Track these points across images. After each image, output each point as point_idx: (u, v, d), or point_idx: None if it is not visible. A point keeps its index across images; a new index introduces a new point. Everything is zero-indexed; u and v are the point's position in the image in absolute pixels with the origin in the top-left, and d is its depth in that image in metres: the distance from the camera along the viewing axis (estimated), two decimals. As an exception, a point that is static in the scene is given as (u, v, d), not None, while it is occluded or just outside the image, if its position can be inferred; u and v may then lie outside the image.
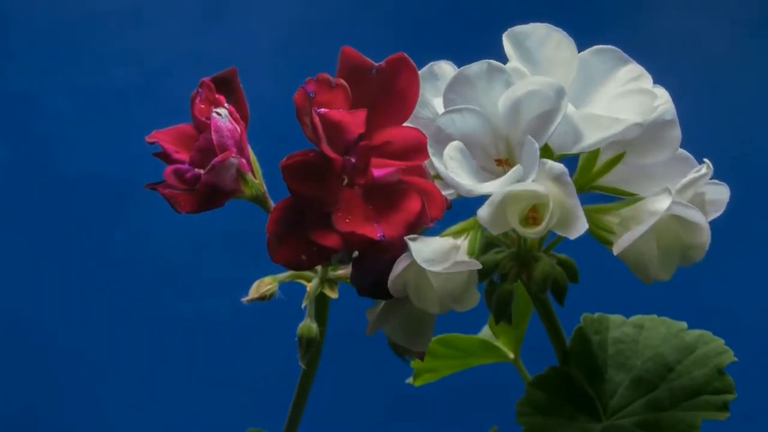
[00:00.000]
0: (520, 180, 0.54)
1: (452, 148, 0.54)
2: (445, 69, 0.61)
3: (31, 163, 1.50)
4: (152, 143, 0.62)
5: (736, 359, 0.62)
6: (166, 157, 0.62)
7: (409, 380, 0.78)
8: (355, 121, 0.58)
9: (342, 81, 0.59)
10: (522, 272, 0.58)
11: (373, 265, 0.58)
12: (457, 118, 0.55)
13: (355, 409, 1.41)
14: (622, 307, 0.68)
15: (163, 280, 1.47)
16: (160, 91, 1.47)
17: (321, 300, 0.66)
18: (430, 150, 0.55)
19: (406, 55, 0.60)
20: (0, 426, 1.47)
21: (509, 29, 0.59)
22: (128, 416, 1.47)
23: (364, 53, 0.61)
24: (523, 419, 0.62)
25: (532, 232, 0.54)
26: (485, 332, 0.77)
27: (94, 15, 1.51)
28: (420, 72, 0.60)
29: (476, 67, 0.56)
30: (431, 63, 0.61)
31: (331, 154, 0.58)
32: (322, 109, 0.58)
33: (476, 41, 0.62)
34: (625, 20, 1.50)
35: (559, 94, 0.54)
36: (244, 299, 0.65)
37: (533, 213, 0.55)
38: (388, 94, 0.60)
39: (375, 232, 0.56)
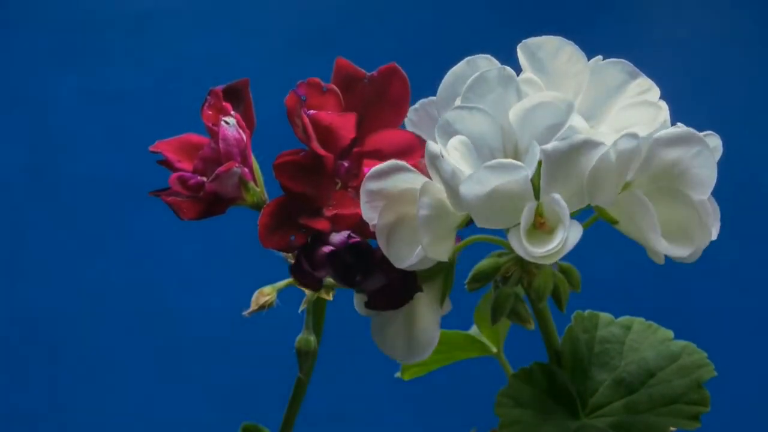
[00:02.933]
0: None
1: (458, 140, 0.55)
2: (482, 65, 0.60)
3: (39, 164, 1.50)
4: (155, 153, 0.64)
5: (716, 374, 0.63)
6: (168, 166, 0.63)
7: (398, 374, 0.78)
8: (345, 124, 0.60)
9: (333, 86, 0.61)
10: (523, 277, 0.59)
11: (380, 272, 0.59)
12: (466, 115, 0.55)
13: (344, 402, 1.42)
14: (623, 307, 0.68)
15: (168, 278, 1.47)
16: (167, 94, 1.48)
17: (318, 303, 0.68)
18: (437, 139, 0.55)
19: (397, 65, 0.62)
20: (7, 421, 1.47)
21: (523, 41, 0.59)
22: (130, 412, 1.47)
23: (368, 59, 0.62)
24: (501, 410, 0.63)
25: (542, 253, 0.53)
26: (473, 329, 0.78)
27: (103, 18, 1.52)
28: (455, 67, 0.60)
29: (495, 72, 0.57)
30: (467, 58, 0.60)
31: (322, 152, 0.59)
32: (312, 111, 0.60)
33: (478, 46, 0.62)
34: (612, 25, 1.50)
35: (570, 108, 0.54)
36: (246, 312, 0.66)
37: (540, 218, 0.55)
38: (380, 102, 0.62)
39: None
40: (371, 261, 0.59)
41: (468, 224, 0.58)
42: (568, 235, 0.52)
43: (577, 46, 0.58)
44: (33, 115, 1.51)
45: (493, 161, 0.53)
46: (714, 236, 0.56)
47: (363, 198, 0.57)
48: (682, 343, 0.64)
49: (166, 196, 0.62)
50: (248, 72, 0.66)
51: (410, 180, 0.57)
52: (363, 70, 0.62)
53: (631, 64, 0.59)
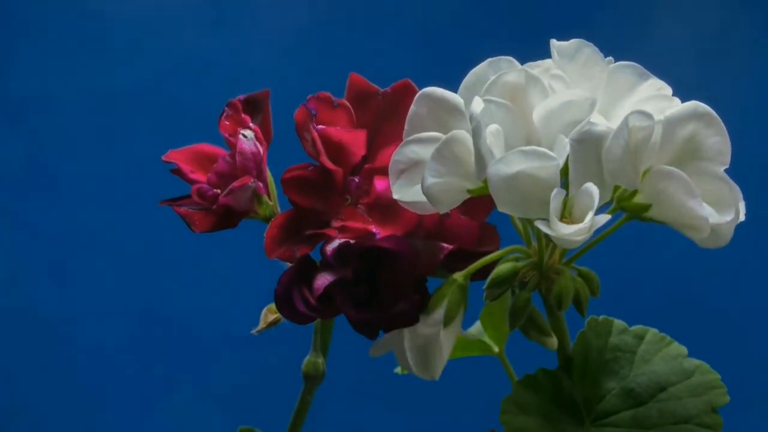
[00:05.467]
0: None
1: (496, 128, 0.54)
2: (503, 66, 0.59)
3: (39, 162, 1.50)
4: (168, 162, 0.63)
5: (729, 399, 0.62)
6: (182, 176, 0.63)
7: (398, 370, 0.76)
8: (356, 141, 0.60)
9: (344, 101, 0.61)
10: (542, 284, 0.58)
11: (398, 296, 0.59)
12: (494, 109, 0.55)
13: (344, 401, 1.41)
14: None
15: (169, 279, 1.47)
16: (168, 93, 1.48)
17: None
18: (472, 123, 0.54)
19: (410, 82, 0.62)
20: (5, 420, 1.47)
21: (551, 40, 0.59)
22: (131, 413, 1.47)
23: (370, 59, 0.62)
24: (506, 417, 0.62)
25: (571, 231, 0.52)
26: (476, 327, 0.77)
27: (104, 17, 1.51)
28: (477, 68, 0.59)
29: (515, 75, 0.56)
30: (489, 60, 0.59)
31: (331, 167, 0.59)
32: (321, 126, 0.59)
33: (480, 46, 0.61)
34: (612, 25, 1.50)
35: (593, 106, 0.55)
36: (254, 330, 0.67)
37: (566, 219, 0.54)
38: (393, 118, 0.61)
39: (371, 228, 0.58)
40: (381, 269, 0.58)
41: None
42: (596, 217, 0.53)
43: (595, 48, 0.59)
44: (33, 114, 1.51)
45: (527, 147, 0.53)
46: (742, 217, 0.57)
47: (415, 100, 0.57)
48: (695, 361, 0.64)
49: (178, 207, 0.62)
50: (248, 71, 0.66)
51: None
52: (376, 86, 0.62)
53: (641, 67, 0.59)
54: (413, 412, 1.41)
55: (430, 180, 0.55)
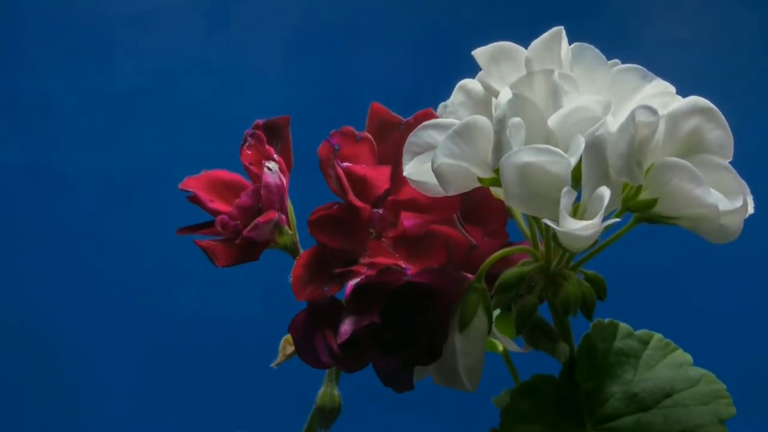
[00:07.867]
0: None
1: (519, 121, 0.55)
2: (512, 50, 0.60)
3: (39, 163, 1.50)
4: (185, 191, 0.63)
5: (735, 412, 0.62)
6: (200, 205, 0.63)
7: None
8: (379, 176, 0.60)
9: (367, 134, 0.61)
10: (548, 288, 0.59)
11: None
12: (520, 103, 0.56)
13: (344, 400, 1.41)
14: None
15: (170, 279, 1.47)
16: (167, 93, 1.48)
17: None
18: (497, 112, 0.55)
19: (432, 111, 0.62)
20: (10, 422, 1.47)
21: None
22: (133, 414, 1.47)
23: (368, 60, 0.61)
24: (506, 427, 0.62)
25: (580, 226, 0.52)
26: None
27: (104, 19, 1.51)
28: (485, 49, 0.60)
29: (542, 75, 0.57)
30: (494, 44, 0.59)
31: (359, 204, 0.59)
32: (346, 164, 0.59)
33: (476, 44, 0.61)
34: (612, 24, 1.50)
35: (607, 108, 0.55)
36: (273, 364, 0.67)
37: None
38: None
39: (400, 263, 0.57)
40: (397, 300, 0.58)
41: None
42: (605, 217, 0.53)
43: (597, 51, 0.59)
44: (33, 114, 1.50)
45: (542, 145, 0.54)
46: (751, 209, 0.57)
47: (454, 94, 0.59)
48: (701, 370, 0.64)
49: (199, 240, 0.61)
50: (247, 71, 0.64)
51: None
52: (398, 116, 0.62)
53: (645, 69, 0.60)
54: (413, 411, 1.41)
55: (442, 159, 0.55)
